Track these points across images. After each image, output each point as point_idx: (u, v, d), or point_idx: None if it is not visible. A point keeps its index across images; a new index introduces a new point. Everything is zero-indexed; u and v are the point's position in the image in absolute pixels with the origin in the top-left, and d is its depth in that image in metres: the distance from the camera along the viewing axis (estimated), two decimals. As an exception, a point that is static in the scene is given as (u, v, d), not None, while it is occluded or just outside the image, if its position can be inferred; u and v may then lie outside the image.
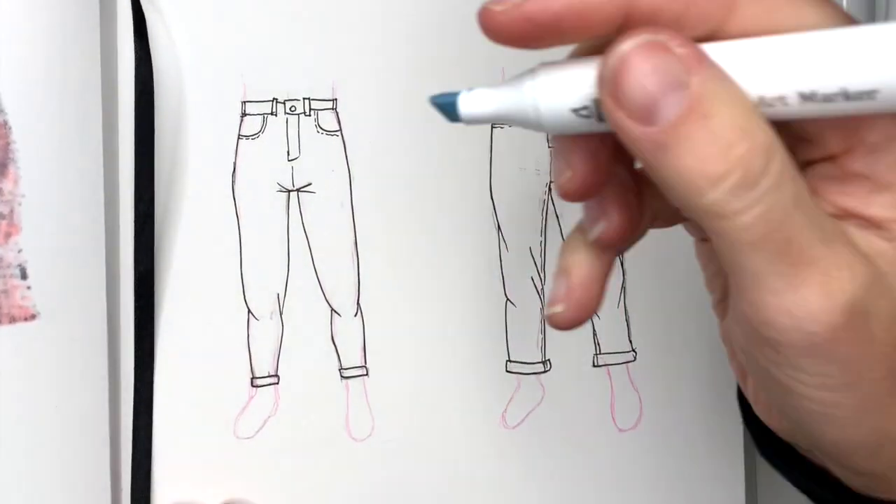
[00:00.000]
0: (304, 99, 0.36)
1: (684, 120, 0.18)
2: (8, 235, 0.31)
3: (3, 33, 0.31)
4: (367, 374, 0.37)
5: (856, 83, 0.17)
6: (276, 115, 0.36)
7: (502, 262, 0.38)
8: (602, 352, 0.39)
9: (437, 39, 0.37)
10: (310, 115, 0.36)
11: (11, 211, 0.31)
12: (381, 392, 0.37)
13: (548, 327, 0.39)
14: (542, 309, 0.39)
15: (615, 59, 0.18)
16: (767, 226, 0.18)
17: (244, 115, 0.36)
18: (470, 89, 0.21)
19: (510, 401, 0.38)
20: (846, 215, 0.20)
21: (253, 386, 0.36)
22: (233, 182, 0.36)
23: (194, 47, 0.35)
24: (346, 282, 0.37)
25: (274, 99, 0.36)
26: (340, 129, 0.37)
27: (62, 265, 0.32)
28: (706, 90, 0.18)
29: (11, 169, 0.31)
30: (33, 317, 0.32)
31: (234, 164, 0.36)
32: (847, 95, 0.18)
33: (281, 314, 0.36)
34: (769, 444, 0.25)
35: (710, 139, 0.18)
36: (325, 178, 0.37)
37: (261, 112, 0.36)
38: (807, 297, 0.18)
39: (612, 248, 0.23)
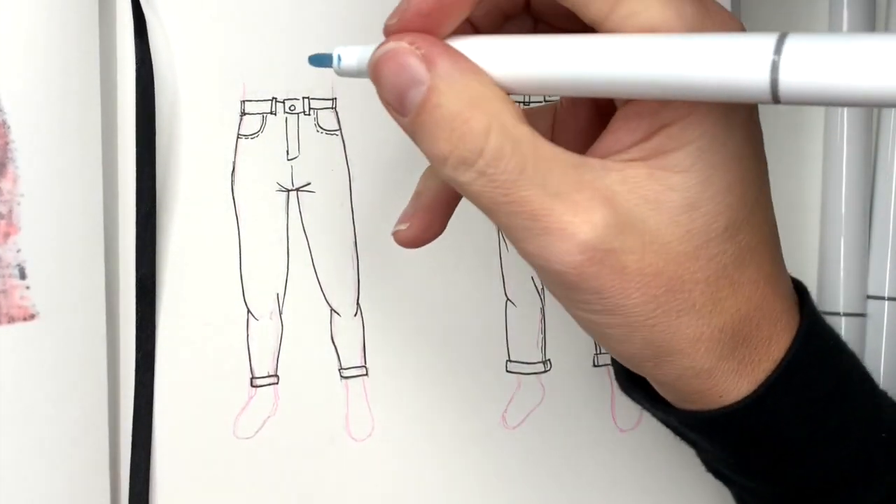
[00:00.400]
0: (303, 98, 0.36)
1: (421, 110, 0.22)
2: (7, 235, 0.31)
3: (3, 33, 0.31)
4: (366, 374, 0.37)
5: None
6: (275, 114, 0.36)
7: (502, 262, 0.38)
8: (602, 352, 0.39)
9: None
10: (309, 115, 0.36)
11: (10, 210, 0.31)
12: (381, 392, 0.37)
13: (548, 327, 0.39)
14: (543, 309, 0.39)
15: (370, 67, 0.23)
16: (495, 192, 0.22)
17: (244, 114, 0.36)
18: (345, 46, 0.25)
19: (510, 401, 0.38)
20: (626, 148, 0.22)
21: (253, 386, 0.36)
22: (232, 182, 0.36)
23: (194, 47, 0.35)
24: (346, 282, 0.37)
25: (273, 98, 0.36)
26: (340, 129, 0.37)
27: (61, 265, 0.32)
28: (438, 83, 0.21)
29: (10, 168, 0.31)
30: (32, 317, 0.31)
31: (234, 163, 0.36)
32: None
33: (281, 314, 0.36)
34: (626, 380, 0.28)
35: (438, 125, 0.21)
36: (325, 177, 0.37)
37: (260, 111, 0.36)
38: (549, 242, 0.22)
39: None
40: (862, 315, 0.44)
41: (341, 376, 0.37)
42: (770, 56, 0.18)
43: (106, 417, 0.34)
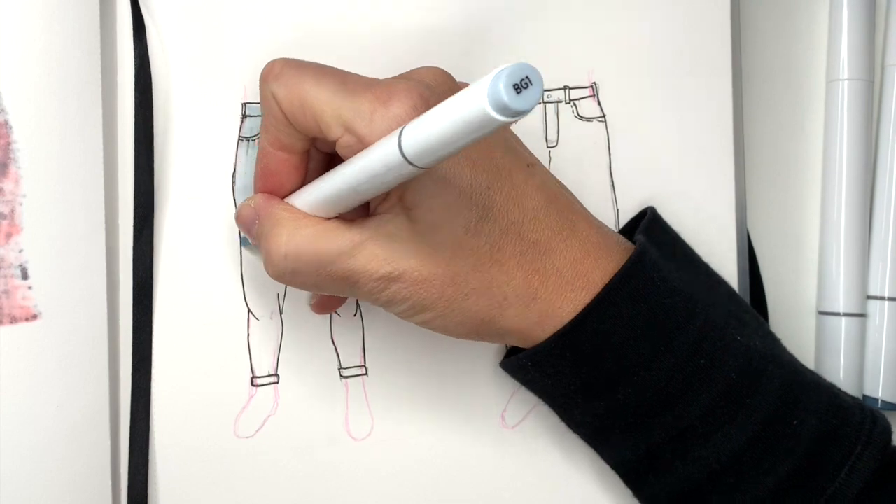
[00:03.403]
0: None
1: (258, 242, 0.32)
2: (9, 235, 0.31)
3: (3, 33, 0.31)
4: (366, 374, 0.37)
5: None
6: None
7: (502, 262, 0.38)
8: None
9: (437, 39, 0.37)
10: (309, 116, 0.37)
11: (12, 211, 0.31)
12: (381, 392, 0.37)
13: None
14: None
15: (235, 218, 0.34)
16: (310, 281, 0.31)
17: (244, 116, 0.36)
18: None
19: (510, 401, 0.38)
20: (388, 209, 0.31)
21: (253, 385, 0.36)
22: (233, 183, 0.36)
23: (195, 49, 0.35)
24: (345, 282, 0.37)
25: (274, 100, 0.36)
26: (340, 130, 0.37)
27: (63, 265, 0.32)
28: (260, 229, 0.32)
29: (12, 169, 0.31)
30: (34, 317, 0.32)
31: (235, 165, 0.36)
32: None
33: (281, 314, 0.36)
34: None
35: (265, 255, 0.31)
36: (325, 178, 0.37)
37: (261, 113, 0.36)
38: (361, 286, 0.31)
39: None
40: (862, 315, 0.44)
41: (341, 376, 0.37)
42: (396, 142, 0.25)
43: (107, 417, 0.34)
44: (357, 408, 0.37)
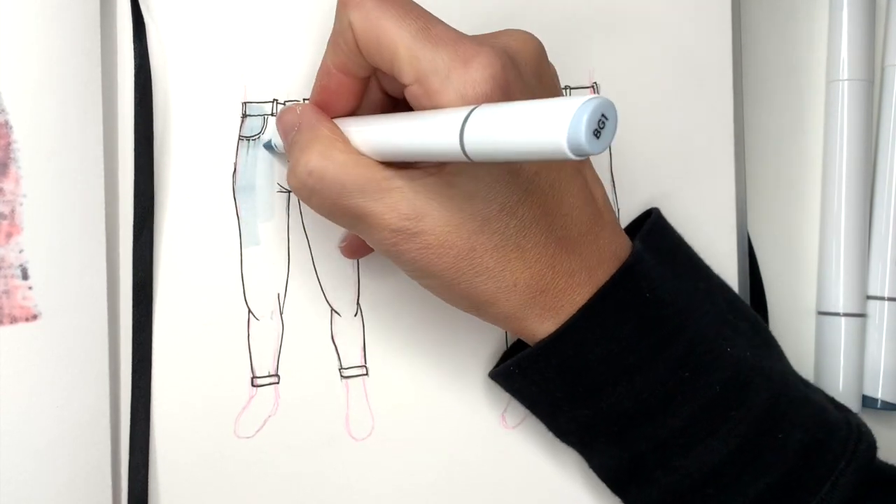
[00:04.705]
0: (304, 100, 0.36)
1: (288, 149, 0.32)
2: (9, 235, 0.31)
3: (4, 33, 0.31)
4: (367, 374, 0.37)
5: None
6: (276, 115, 0.36)
7: (502, 263, 0.38)
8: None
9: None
10: (310, 116, 0.37)
11: (13, 211, 0.31)
12: (381, 392, 0.37)
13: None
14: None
15: (276, 120, 0.34)
16: (326, 203, 0.30)
17: (245, 115, 0.36)
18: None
19: (510, 401, 0.38)
20: (425, 166, 0.30)
21: (253, 385, 0.36)
22: (233, 182, 0.36)
23: (195, 49, 0.35)
24: (346, 282, 0.37)
25: (274, 100, 0.36)
26: (340, 130, 0.37)
27: (63, 265, 0.32)
28: (297, 137, 0.31)
29: (13, 168, 0.31)
30: (34, 317, 0.32)
31: (235, 164, 0.36)
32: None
33: (281, 314, 0.36)
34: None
35: (292, 163, 0.31)
36: (326, 178, 0.37)
37: (261, 113, 0.36)
38: (374, 232, 0.30)
39: None
40: (862, 315, 0.44)
41: (341, 376, 0.37)
42: (458, 132, 0.24)
43: (107, 417, 0.34)
44: (357, 408, 0.37)
